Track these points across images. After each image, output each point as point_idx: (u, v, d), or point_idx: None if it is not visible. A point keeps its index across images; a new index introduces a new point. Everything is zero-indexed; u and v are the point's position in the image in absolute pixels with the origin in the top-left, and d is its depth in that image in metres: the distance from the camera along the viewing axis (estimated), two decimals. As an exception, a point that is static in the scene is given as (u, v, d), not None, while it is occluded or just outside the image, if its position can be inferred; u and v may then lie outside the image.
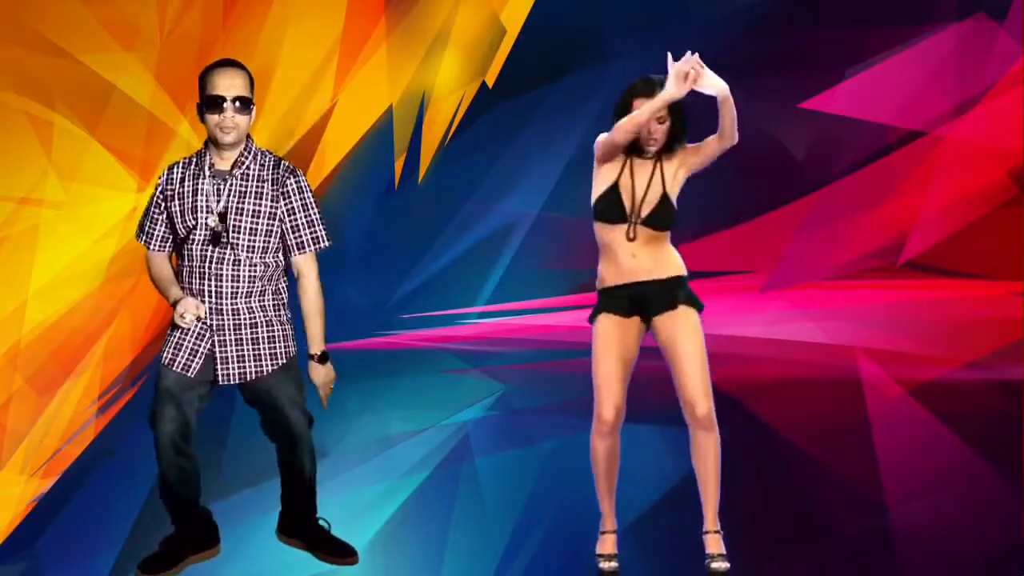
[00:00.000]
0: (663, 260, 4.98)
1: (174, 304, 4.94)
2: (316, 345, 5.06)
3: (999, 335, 6.53)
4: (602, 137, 5.00)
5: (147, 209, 5.06)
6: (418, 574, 5.90)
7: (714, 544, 4.99)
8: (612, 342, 4.98)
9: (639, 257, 4.96)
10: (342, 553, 5.19)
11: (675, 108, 4.94)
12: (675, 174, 5.02)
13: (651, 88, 4.93)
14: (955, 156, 6.66)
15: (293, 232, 5.00)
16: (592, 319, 5.04)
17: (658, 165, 5.01)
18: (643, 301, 4.98)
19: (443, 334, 6.92)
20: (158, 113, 7.08)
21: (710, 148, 5.00)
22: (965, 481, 6.08)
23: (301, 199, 5.00)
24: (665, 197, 4.97)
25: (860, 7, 6.75)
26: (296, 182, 4.99)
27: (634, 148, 4.99)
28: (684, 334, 4.95)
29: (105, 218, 7.03)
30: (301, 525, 5.22)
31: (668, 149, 5.01)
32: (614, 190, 4.97)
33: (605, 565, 5.10)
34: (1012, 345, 6.48)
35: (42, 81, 7.03)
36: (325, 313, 5.06)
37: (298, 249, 5.01)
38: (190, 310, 4.90)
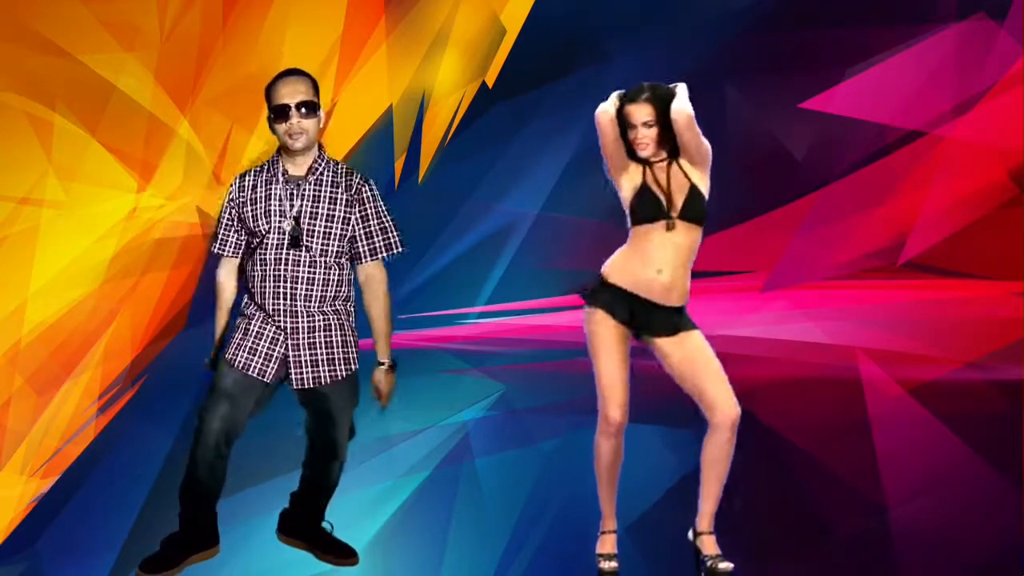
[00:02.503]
0: (677, 289, 4.98)
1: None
2: (385, 351, 5.15)
3: (999, 335, 6.53)
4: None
5: (219, 220, 5.15)
6: (418, 574, 5.90)
7: (711, 545, 4.99)
8: (613, 343, 4.98)
9: (664, 274, 4.95)
10: (342, 553, 5.21)
11: (663, 113, 4.94)
12: (691, 170, 5.01)
13: (634, 95, 4.95)
14: (955, 156, 6.66)
15: (367, 238, 5.10)
16: (590, 302, 5.03)
17: (675, 163, 5.01)
18: (642, 320, 4.98)
19: (443, 334, 6.92)
20: (158, 113, 7.08)
21: (680, 137, 4.99)
22: (965, 481, 6.07)
23: (375, 206, 5.11)
24: (694, 187, 4.97)
25: (860, 7, 6.75)
26: (370, 190, 5.11)
27: (642, 158, 5.00)
28: (700, 353, 4.97)
29: (105, 218, 7.04)
30: (304, 526, 5.23)
31: (675, 152, 5.01)
32: (647, 188, 4.97)
33: (605, 565, 5.09)
34: (1012, 345, 6.47)
35: (42, 81, 7.03)
36: (389, 312, 5.16)
37: (371, 255, 5.11)
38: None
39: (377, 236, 5.11)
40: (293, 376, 5.03)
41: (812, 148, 6.79)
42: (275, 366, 5.02)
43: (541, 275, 6.90)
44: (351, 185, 5.08)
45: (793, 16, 6.79)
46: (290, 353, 5.02)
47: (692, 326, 5.02)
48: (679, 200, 4.95)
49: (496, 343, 6.88)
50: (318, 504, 5.23)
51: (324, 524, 5.24)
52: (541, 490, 6.24)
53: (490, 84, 7.06)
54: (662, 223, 4.94)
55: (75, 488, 6.61)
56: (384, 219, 5.12)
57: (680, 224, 4.94)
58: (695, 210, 4.96)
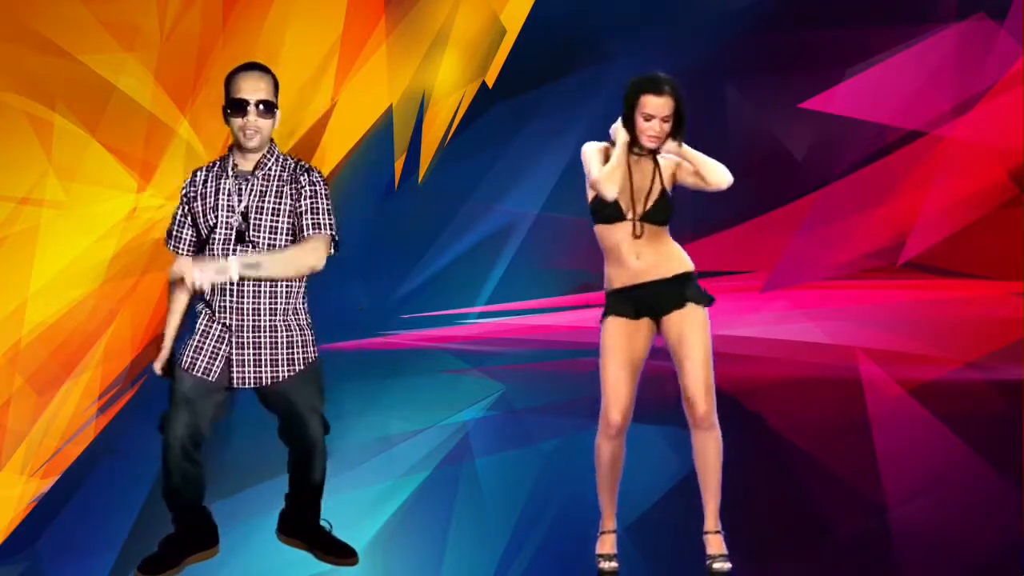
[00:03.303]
0: (668, 257, 5.00)
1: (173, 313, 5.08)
2: (249, 257, 4.84)
3: (999, 335, 6.52)
4: (589, 153, 5.01)
5: (174, 215, 5.10)
6: (418, 574, 5.91)
7: (715, 545, 4.99)
8: (619, 345, 4.98)
9: (643, 256, 4.97)
10: (342, 553, 5.20)
11: (681, 108, 4.96)
12: (671, 177, 5.05)
13: (658, 87, 4.94)
14: (955, 156, 6.66)
15: (300, 219, 4.95)
16: (602, 320, 5.05)
17: (656, 164, 5.03)
18: (651, 302, 4.99)
19: (443, 334, 6.92)
20: (158, 113, 7.08)
21: (693, 181, 5.03)
22: (965, 481, 6.07)
23: (311, 191, 4.97)
24: (664, 192, 5.01)
25: (860, 7, 6.75)
26: (309, 178, 4.99)
27: (630, 145, 5.00)
28: (690, 333, 4.96)
29: (105, 218, 7.04)
30: (303, 526, 5.23)
31: (660, 149, 5.04)
32: None
33: (605, 565, 5.09)
34: (1012, 345, 6.47)
35: (42, 81, 7.03)
36: (290, 258, 4.86)
37: (301, 232, 4.93)
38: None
39: (307, 215, 4.94)
40: (234, 375, 4.95)
41: (812, 148, 6.79)
42: (221, 364, 4.95)
43: (541, 275, 6.90)
44: (293, 177, 4.99)
45: (793, 16, 6.79)
46: (233, 351, 4.95)
47: (700, 299, 5.00)
48: (644, 202, 4.97)
49: (496, 343, 6.88)
50: (309, 502, 5.20)
51: (323, 523, 5.24)
52: (541, 490, 6.24)
53: (490, 84, 7.06)
54: (625, 224, 4.97)
55: (75, 488, 6.61)
56: (319, 202, 4.96)
57: (644, 226, 4.96)
58: (661, 215, 4.98)
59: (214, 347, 4.96)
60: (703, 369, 4.94)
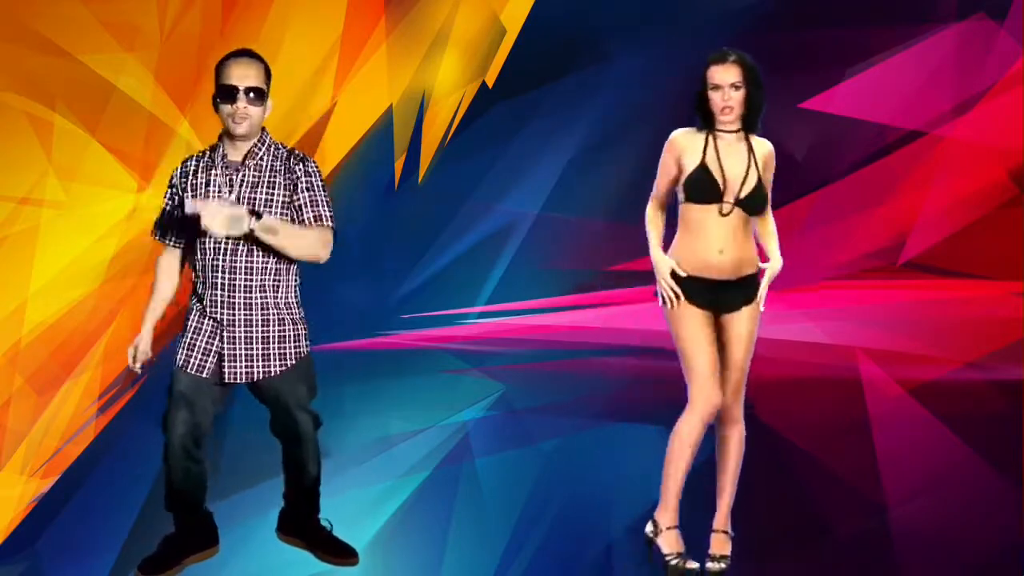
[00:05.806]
0: (745, 258, 4.94)
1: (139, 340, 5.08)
2: (267, 218, 4.82)
3: (999, 335, 6.53)
4: (663, 158, 4.96)
5: (162, 207, 5.04)
6: (418, 574, 5.90)
7: (717, 544, 4.99)
8: (702, 332, 4.92)
9: (726, 253, 4.89)
10: (342, 553, 5.20)
11: (751, 75, 4.86)
12: (764, 165, 4.94)
13: (721, 56, 4.87)
14: (955, 156, 6.67)
15: (299, 213, 4.92)
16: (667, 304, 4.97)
17: (751, 152, 4.92)
18: (721, 302, 4.93)
19: (443, 334, 6.92)
20: (158, 113, 7.08)
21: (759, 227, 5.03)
22: (965, 481, 6.07)
23: (307, 182, 4.93)
24: (760, 181, 4.91)
25: (860, 7, 6.76)
26: (304, 167, 4.95)
27: (711, 123, 4.91)
28: (740, 330, 4.94)
29: (105, 218, 7.04)
30: (302, 525, 5.23)
31: (752, 126, 4.93)
32: (704, 169, 4.87)
33: (678, 562, 5.01)
34: (1012, 345, 6.48)
35: (42, 81, 7.03)
36: (305, 238, 4.87)
37: (300, 224, 4.91)
38: (138, 359, 5.04)
39: (307, 209, 4.91)
40: (225, 370, 4.93)
41: (812, 148, 6.80)
42: (214, 361, 4.93)
43: (541, 275, 6.90)
44: (288, 167, 4.94)
45: (793, 16, 6.80)
46: (225, 346, 4.92)
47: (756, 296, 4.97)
48: (739, 186, 4.87)
49: (496, 343, 6.88)
50: (307, 501, 5.20)
51: (323, 522, 5.24)
52: (541, 490, 6.23)
53: (490, 84, 7.06)
54: (716, 207, 4.88)
55: (75, 488, 6.60)
56: (316, 193, 4.92)
57: (736, 210, 4.88)
58: (755, 203, 4.89)
59: (206, 343, 4.93)
60: (740, 369, 4.94)
